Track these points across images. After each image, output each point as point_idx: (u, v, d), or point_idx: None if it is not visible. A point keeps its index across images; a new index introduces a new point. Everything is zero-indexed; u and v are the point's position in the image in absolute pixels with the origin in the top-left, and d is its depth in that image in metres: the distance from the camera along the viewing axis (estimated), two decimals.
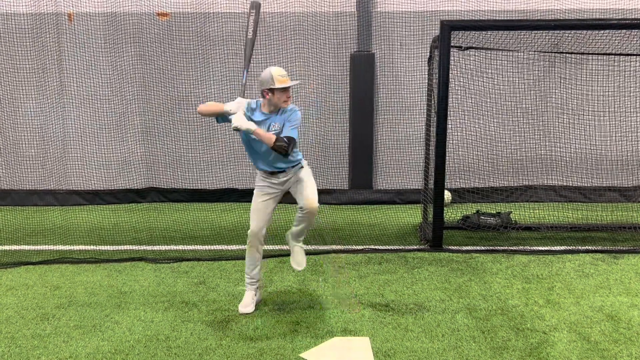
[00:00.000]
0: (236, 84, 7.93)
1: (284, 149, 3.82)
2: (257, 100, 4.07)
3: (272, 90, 3.89)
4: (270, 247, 5.75)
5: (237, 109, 3.90)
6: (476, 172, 7.72)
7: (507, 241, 5.99)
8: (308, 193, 4.03)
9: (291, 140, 3.87)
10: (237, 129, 3.86)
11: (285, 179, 4.11)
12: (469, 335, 3.78)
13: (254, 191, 4.20)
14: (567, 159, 7.71)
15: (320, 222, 6.12)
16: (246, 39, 4.17)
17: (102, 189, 8.23)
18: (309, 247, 5.64)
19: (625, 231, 6.21)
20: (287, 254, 5.55)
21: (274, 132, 3.94)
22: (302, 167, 4.15)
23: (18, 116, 7.98)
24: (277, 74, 3.87)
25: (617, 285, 4.68)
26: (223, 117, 4.01)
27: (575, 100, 7.63)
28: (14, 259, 5.51)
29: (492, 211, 6.69)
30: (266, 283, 4.80)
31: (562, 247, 5.74)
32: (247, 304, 4.22)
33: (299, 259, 4.26)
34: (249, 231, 4.17)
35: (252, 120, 3.96)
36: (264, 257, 5.34)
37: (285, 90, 3.91)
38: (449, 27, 5.54)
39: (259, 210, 4.14)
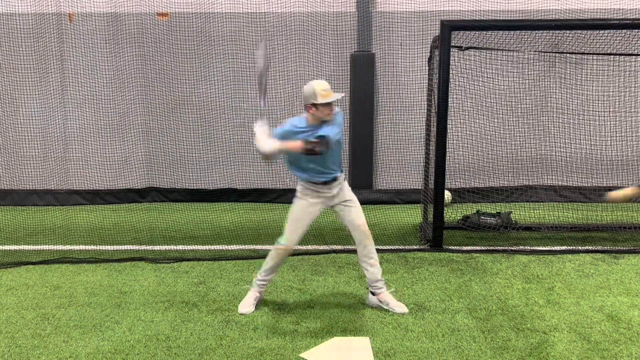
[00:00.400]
0: (236, 83, 7.94)
1: (314, 149, 3.73)
2: (301, 117, 3.99)
3: (315, 105, 3.84)
4: (271, 247, 5.74)
5: (261, 138, 3.83)
6: (476, 172, 7.72)
7: (507, 241, 5.99)
8: (360, 217, 4.10)
9: (322, 138, 3.75)
10: (267, 158, 3.83)
11: (336, 191, 4.06)
12: (469, 335, 3.78)
13: (298, 202, 4.09)
14: (568, 159, 7.72)
15: (321, 222, 6.11)
16: (259, 71, 4.11)
17: (102, 188, 8.23)
18: (310, 247, 5.64)
19: (625, 231, 6.21)
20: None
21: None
22: (342, 171, 4.12)
23: (19, 116, 7.98)
24: (320, 89, 3.81)
25: (618, 286, 4.67)
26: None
27: (575, 100, 7.63)
28: (14, 258, 5.51)
29: (492, 211, 6.69)
30: None
31: (563, 247, 5.74)
32: (248, 305, 4.21)
33: (397, 304, 4.19)
34: (282, 240, 4.13)
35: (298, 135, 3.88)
36: (264, 257, 5.36)
37: (329, 104, 3.86)
38: (449, 27, 5.54)
39: (301, 220, 4.08)
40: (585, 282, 4.77)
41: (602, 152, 7.77)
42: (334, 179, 4.05)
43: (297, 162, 4.01)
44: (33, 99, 7.94)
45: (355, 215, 4.13)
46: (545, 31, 6.21)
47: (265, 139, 3.83)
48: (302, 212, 4.09)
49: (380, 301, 4.20)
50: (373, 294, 4.24)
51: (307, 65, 7.88)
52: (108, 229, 6.69)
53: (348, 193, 4.15)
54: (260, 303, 4.36)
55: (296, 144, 3.77)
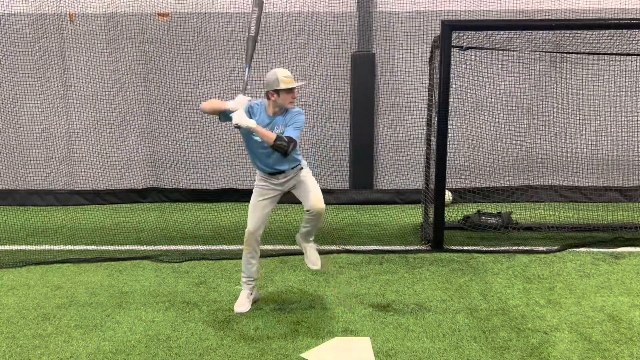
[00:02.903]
0: (237, 83, 7.92)
1: (283, 148, 3.82)
2: (261, 101, 4.07)
3: (277, 92, 3.90)
4: (271, 247, 5.76)
5: (239, 106, 3.89)
6: (477, 172, 7.72)
7: (508, 241, 5.99)
8: (313, 196, 4.03)
9: (291, 141, 3.86)
10: (237, 127, 3.87)
11: (284, 180, 4.11)
12: (469, 336, 3.78)
13: (253, 190, 4.21)
14: (568, 158, 7.71)
15: (322, 222, 6.11)
16: (248, 35, 4.17)
17: (103, 188, 8.23)
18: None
19: (626, 231, 6.20)
20: (287, 253, 5.58)
21: (277, 132, 3.94)
22: (301, 168, 4.15)
23: (20, 116, 7.99)
24: (282, 75, 3.89)
25: (618, 286, 4.67)
26: (225, 115, 3.99)
27: (575, 100, 7.63)
28: (15, 258, 5.51)
29: (493, 211, 6.69)
30: (267, 283, 4.80)
31: (563, 247, 5.73)
32: (242, 304, 4.23)
33: (313, 259, 4.27)
34: (246, 230, 4.19)
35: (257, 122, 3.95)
36: (265, 256, 5.37)
37: (290, 91, 3.93)
38: (450, 27, 5.54)
39: (257, 210, 4.15)
40: (586, 282, 4.78)
41: (603, 152, 7.76)
42: (280, 172, 4.08)
43: (251, 148, 4.09)
44: (34, 99, 7.94)
45: (312, 194, 4.08)
46: (545, 31, 6.21)
47: (244, 114, 3.86)
48: (255, 201, 4.16)
49: (302, 248, 4.31)
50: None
51: (307, 66, 7.87)
52: (109, 229, 6.69)
53: (303, 178, 4.13)
54: (259, 301, 4.36)
55: (270, 135, 3.85)
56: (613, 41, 6.01)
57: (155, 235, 6.42)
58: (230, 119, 3.94)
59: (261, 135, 3.86)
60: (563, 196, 7.95)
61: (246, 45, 4.18)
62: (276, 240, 6.01)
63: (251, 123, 3.84)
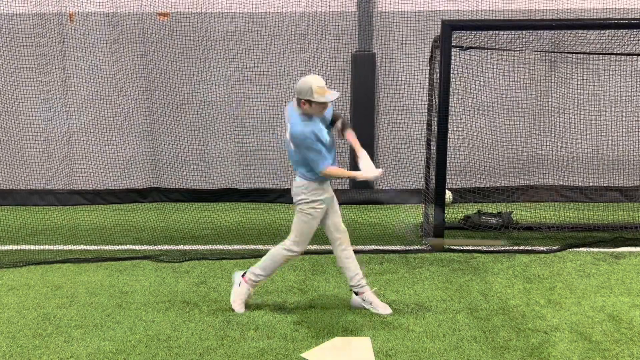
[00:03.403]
0: (237, 83, 7.92)
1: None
2: (295, 109, 3.92)
3: (309, 102, 3.78)
4: (271, 247, 5.74)
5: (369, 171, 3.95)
6: (477, 171, 7.71)
7: (508, 241, 5.99)
8: (339, 217, 4.13)
9: None
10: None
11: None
12: (470, 335, 3.78)
13: (309, 208, 3.97)
14: (568, 158, 7.71)
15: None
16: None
17: (103, 188, 8.23)
18: (310, 247, 5.63)
19: (626, 231, 6.20)
20: None
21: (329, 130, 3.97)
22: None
23: (21, 116, 7.98)
24: (317, 86, 3.73)
25: (619, 285, 4.67)
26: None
27: (576, 100, 7.62)
28: (15, 258, 5.52)
29: (493, 211, 6.68)
30: (267, 283, 4.80)
31: (563, 247, 5.73)
32: (242, 302, 4.22)
33: (380, 305, 4.16)
34: (294, 247, 4.07)
35: (323, 135, 3.92)
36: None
37: (324, 103, 3.80)
38: (450, 26, 5.54)
39: (312, 231, 4.06)
40: (587, 282, 4.77)
41: (603, 151, 7.75)
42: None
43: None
44: (34, 99, 7.94)
45: (338, 217, 4.16)
46: (545, 31, 6.21)
47: (370, 168, 3.93)
48: (315, 221, 4.04)
49: (364, 300, 4.17)
50: (356, 293, 4.20)
51: (307, 66, 7.87)
52: (109, 229, 6.69)
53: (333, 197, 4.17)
54: (250, 300, 4.35)
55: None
56: (613, 41, 6.01)
57: (155, 235, 6.42)
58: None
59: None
60: (563, 196, 7.95)
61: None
62: (276, 240, 5.98)
63: (372, 173, 3.94)
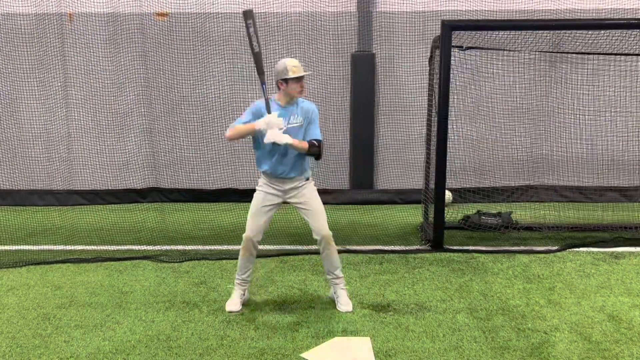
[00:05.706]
0: (237, 83, 7.93)
1: (317, 153, 3.96)
2: (271, 97, 4.05)
3: (286, 81, 3.95)
4: (271, 247, 5.75)
5: (269, 124, 3.84)
6: (477, 171, 7.72)
7: (508, 241, 5.99)
8: (316, 222, 4.09)
9: (320, 143, 3.99)
10: (275, 144, 3.87)
11: (291, 186, 4.10)
12: (470, 335, 3.78)
13: (255, 194, 4.18)
14: (568, 158, 7.71)
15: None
16: (252, 52, 4.09)
17: (103, 188, 8.23)
18: (310, 247, 5.64)
19: (626, 231, 6.20)
20: (287, 253, 5.58)
21: (295, 124, 3.99)
22: (307, 178, 4.16)
23: (20, 116, 7.98)
24: (291, 64, 3.94)
25: (619, 286, 4.68)
26: (257, 139, 4.02)
27: (575, 100, 7.63)
28: (15, 258, 5.51)
29: (493, 211, 6.69)
30: (267, 283, 4.80)
31: (563, 247, 5.73)
32: (235, 303, 4.23)
33: (343, 301, 4.21)
34: (243, 235, 4.19)
35: (262, 111, 3.96)
36: (265, 256, 5.37)
37: (299, 80, 3.96)
38: (450, 27, 5.54)
39: (258, 216, 4.14)
40: (586, 282, 4.78)
41: (603, 152, 7.76)
42: (289, 178, 4.06)
43: (264, 149, 4.00)
44: (34, 99, 7.94)
45: (315, 222, 4.11)
46: (544, 31, 6.21)
47: (278, 131, 3.84)
48: (257, 206, 4.13)
49: (333, 293, 4.29)
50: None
51: (307, 65, 7.87)
52: (109, 229, 6.69)
53: (310, 198, 4.12)
54: (247, 302, 4.34)
55: (304, 145, 3.94)
56: (613, 41, 6.01)
57: (155, 235, 6.42)
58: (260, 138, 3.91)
59: (296, 148, 3.91)
60: (563, 196, 7.95)
61: (255, 62, 4.09)
62: (276, 240, 6.00)
63: (287, 139, 3.83)
